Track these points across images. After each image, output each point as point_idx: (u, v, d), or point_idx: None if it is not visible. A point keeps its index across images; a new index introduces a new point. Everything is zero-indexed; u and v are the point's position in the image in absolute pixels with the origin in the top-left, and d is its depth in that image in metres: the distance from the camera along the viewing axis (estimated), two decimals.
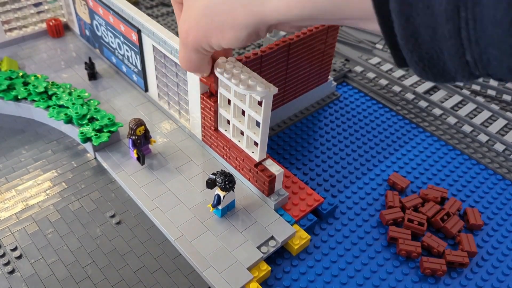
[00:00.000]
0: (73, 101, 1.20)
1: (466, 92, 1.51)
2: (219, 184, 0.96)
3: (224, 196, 0.98)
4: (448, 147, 1.32)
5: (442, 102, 1.47)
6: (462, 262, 0.99)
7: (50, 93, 1.24)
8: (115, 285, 0.92)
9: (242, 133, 1.04)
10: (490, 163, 1.27)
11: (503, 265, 1.03)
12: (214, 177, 0.97)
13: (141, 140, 1.10)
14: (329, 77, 1.43)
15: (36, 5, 1.53)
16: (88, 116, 1.18)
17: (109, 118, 1.16)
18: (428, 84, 1.53)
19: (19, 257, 0.96)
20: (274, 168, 1.01)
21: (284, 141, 1.29)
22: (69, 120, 1.18)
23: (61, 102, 1.21)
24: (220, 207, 1.00)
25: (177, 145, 1.20)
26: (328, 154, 1.27)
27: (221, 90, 1.01)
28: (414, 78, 1.56)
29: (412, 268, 1.01)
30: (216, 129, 1.10)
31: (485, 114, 1.43)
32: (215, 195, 0.99)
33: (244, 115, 1.00)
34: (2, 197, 1.07)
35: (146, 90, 1.31)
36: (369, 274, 0.99)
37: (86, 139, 1.14)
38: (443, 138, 1.34)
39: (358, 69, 1.58)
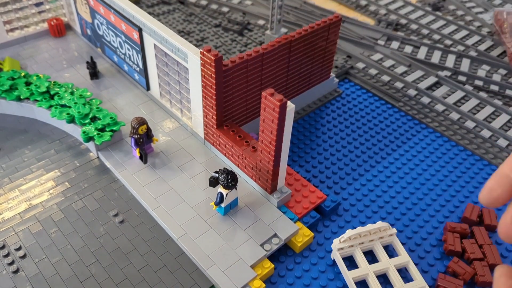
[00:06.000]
0: (75, 101, 1.20)
1: (468, 87, 1.51)
2: (222, 182, 0.97)
3: (226, 194, 0.98)
4: (451, 143, 1.31)
5: (445, 98, 1.47)
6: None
7: (52, 92, 1.24)
8: (119, 283, 0.92)
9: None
10: (494, 158, 1.27)
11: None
12: (217, 175, 0.97)
13: (144, 139, 1.10)
14: (331, 74, 1.43)
15: (38, 4, 1.53)
16: (90, 116, 1.18)
17: (111, 117, 1.17)
18: (431, 80, 1.53)
19: (23, 257, 0.96)
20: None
21: None
22: (71, 120, 1.18)
23: (63, 102, 1.21)
24: (223, 205, 1.00)
25: (179, 143, 1.20)
26: (331, 151, 1.26)
27: None
28: (417, 74, 1.55)
29: (415, 264, 1.01)
30: (218, 127, 1.10)
31: (488, 110, 1.43)
32: (218, 193, 0.99)
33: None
34: (5, 197, 1.08)
35: (148, 88, 1.31)
36: None
37: (89, 139, 1.14)
38: (446, 134, 1.34)
39: (360, 65, 1.57)
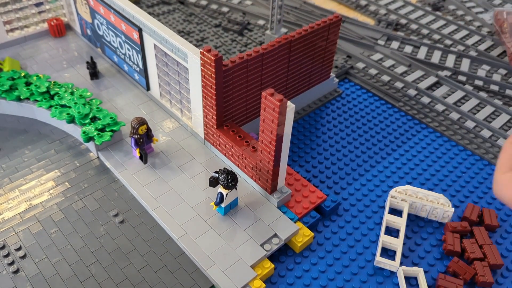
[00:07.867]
0: (75, 101, 1.20)
1: (469, 87, 1.51)
2: (222, 182, 0.97)
3: (227, 194, 0.98)
4: (451, 143, 1.31)
5: (445, 97, 1.47)
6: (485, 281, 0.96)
7: (52, 92, 1.24)
8: (119, 283, 0.92)
9: None
10: (493, 158, 1.27)
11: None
12: (217, 175, 0.97)
13: (144, 139, 1.10)
14: (331, 74, 1.43)
15: (37, 5, 1.53)
16: (91, 116, 1.18)
17: (111, 117, 1.17)
18: (431, 80, 1.53)
19: (23, 257, 0.96)
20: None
21: None
22: (71, 120, 1.18)
23: (63, 102, 1.21)
24: (223, 205, 1.00)
25: (179, 143, 1.20)
26: (331, 151, 1.26)
27: None
28: (417, 74, 1.55)
29: (415, 264, 1.01)
30: (218, 127, 1.10)
31: (488, 110, 1.43)
32: (218, 193, 0.99)
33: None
34: (5, 197, 1.08)
35: (148, 89, 1.31)
36: (373, 271, 0.99)
37: (89, 139, 1.14)
38: (446, 133, 1.34)
39: (360, 65, 1.57)
